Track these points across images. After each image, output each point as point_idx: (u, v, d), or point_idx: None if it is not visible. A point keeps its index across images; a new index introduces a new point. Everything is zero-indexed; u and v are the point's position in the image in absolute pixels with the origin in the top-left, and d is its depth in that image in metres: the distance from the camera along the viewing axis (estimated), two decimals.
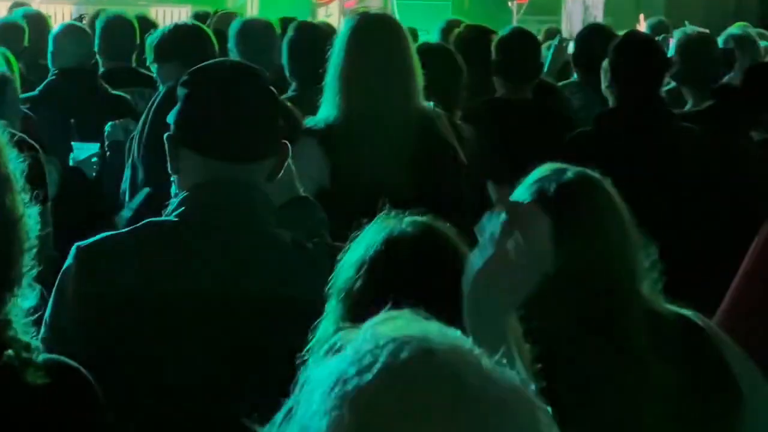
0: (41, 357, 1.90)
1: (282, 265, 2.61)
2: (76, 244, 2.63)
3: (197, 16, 8.05)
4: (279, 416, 1.23)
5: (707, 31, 6.17)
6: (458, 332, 1.25)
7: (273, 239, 2.64)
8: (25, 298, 1.87)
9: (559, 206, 2.55)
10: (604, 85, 5.30)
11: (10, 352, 1.84)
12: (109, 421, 2.01)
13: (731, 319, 3.03)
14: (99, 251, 2.61)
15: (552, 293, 2.52)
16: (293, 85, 5.67)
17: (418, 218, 2.23)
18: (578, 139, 4.91)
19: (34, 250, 1.88)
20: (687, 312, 2.61)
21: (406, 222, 2.22)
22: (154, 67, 5.37)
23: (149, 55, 5.35)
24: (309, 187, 3.34)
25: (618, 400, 2.43)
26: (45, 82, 6.09)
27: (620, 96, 4.94)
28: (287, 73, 5.73)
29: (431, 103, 4.23)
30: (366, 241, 2.20)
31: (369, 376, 1.16)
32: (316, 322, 2.17)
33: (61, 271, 2.62)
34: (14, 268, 1.83)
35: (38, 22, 7.72)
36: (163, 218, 2.67)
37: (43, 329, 2.43)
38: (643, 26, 9.05)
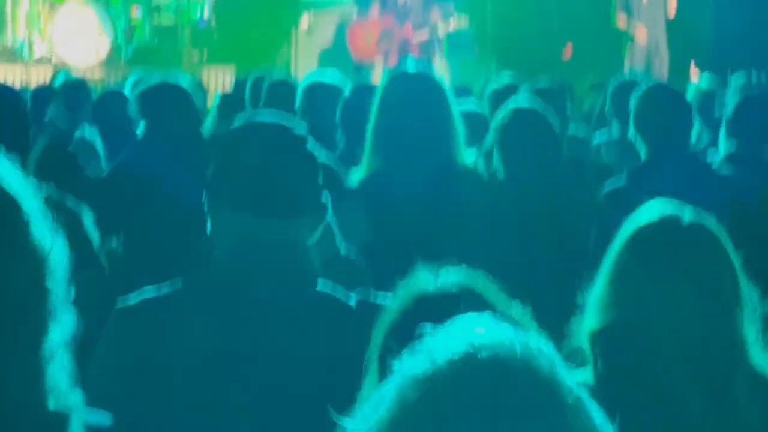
0: (84, 421, 1.88)
1: (326, 322, 2.58)
2: (117, 307, 2.62)
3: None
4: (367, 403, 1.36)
5: None
6: (537, 341, 1.33)
7: (316, 296, 2.62)
8: (63, 324, 1.87)
9: (674, 251, 2.51)
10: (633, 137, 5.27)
11: (51, 408, 1.82)
12: None
13: None
14: (138, 314, 2.60)
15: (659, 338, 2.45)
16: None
17: (452, 275, 2.17)
18: (611, 195, 4.90)
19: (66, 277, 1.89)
20: None
21: (439, 279, 2.16)
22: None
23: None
24: (350, 244, 3.32)
25: None
26: None
27: (648, 148, 4.93)
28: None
29: (473, 157, 4.21)
30: (399, 300, 2.15)
31: (426, 381, 1.30)
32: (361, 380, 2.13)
33: (102, 334, 2.61)
34: (50, 298, 1.84)
35: None
36: (202, 277, 2.65)
37: (81, 391, 2.41)
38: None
